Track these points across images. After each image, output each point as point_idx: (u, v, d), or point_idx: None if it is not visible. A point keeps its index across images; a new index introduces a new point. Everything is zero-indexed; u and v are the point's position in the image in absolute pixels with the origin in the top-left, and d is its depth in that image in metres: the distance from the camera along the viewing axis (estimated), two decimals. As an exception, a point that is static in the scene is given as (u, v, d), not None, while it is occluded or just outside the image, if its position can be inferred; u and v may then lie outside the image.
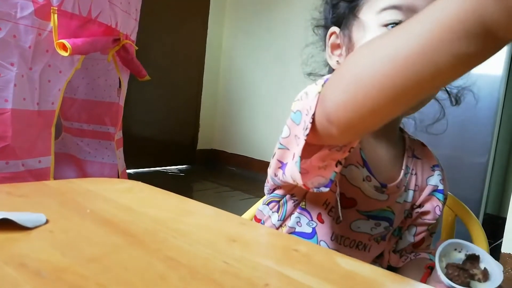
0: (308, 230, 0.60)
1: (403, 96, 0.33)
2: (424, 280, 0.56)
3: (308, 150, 0.44)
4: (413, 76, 0.31)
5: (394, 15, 0.52)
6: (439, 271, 0.47)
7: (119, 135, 1.81)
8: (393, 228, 0.64)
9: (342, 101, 0.37)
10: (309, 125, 0.41)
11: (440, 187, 0.65)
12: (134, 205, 0.49)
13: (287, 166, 0.50)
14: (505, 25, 0.26)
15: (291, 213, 0.61)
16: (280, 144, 0.51)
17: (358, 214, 0.60)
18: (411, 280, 0.36)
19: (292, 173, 0.47)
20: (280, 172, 0.53)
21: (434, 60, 0.30)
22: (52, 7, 1.22)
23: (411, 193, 0.64)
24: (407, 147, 0.65)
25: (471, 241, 0.72)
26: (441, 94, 0.62)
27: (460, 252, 0.52)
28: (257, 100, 3.41)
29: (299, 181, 0.45)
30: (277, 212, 0.62)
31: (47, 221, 0.39)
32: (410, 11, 0.51)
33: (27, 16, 1.17)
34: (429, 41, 0.29)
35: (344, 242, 0.60)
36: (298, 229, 0.61)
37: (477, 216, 1.46)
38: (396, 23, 0.52)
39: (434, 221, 0.66)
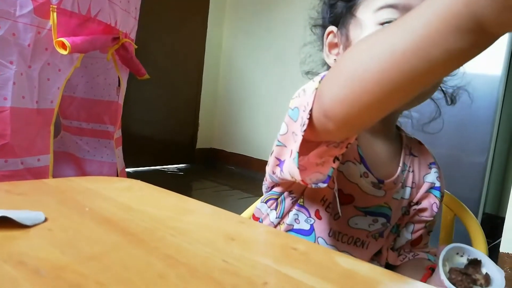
0: (306, 227, 0.60)
1: (399, 90, 0.34)
2: (424, 281, 0.56)
3: (306, 147, 0.45)
4: (408, 70, 0.32)
5: (390, 14, 0.53)
6: (443, 276, 0.47)
7: (118, 133, 1.81)
8: (390, 225, 0.64)
9: (339, 96, 0.38)
10: (306, 121, 0.42)
11: (437, 184, 0.66)
12: (133, 204, 0.49)
13: (285, 163, 0.51)
14: (496, 21, 0.27)
15: (289, 210, 0.61)
16: (278, 141, 0.52)
17: (355, 210, 0.60)
18: (410, 279, 0.36)
19: (290, 169, 0.47)
20: (278, 170, 0.54)
21: (428, 54, 0.30)
22: (51, 5, 1.22)
23: (408, 190, 0.65)
24: (404, 145, 0.66)
25: (470, 240, 0.72)
26: (437, 94, 0.63)
27: (462, 256, 0.52)
28: (257, 99, 3.41)
29: (298, 178, 0.45)
30: (275, 209, 0.62)
31: (46, 219, 0.39)
32: (406, 9, 0.52)
33: (26, 14, 1.17)
34: (423, 37, 0.30)
35: (342, 238, 0.60)
36: (296, 226, 0.61)
37: (476, 216, 1.46)
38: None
39: (432, 218, 0.66)
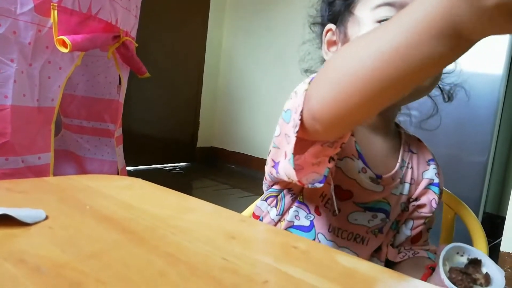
0: (306, 223, 0.61)
1: (385, 91, 0.35)
2: (424, 280, 0.56)
3: (301, 145, 0.45)
4: (394, 72, 0.33)
5: (388, 12, 0.54)
6: (443, 275, 0.47)
7: (119, 132, 1.81)
8: (390, 221, 0.64)
9: (325, 98, 0.39)
10: (298, 123, 0.42)
11: (436, 180, 0.67)
12: (134, 202, 0.49)
13: (279, 165, 0.51)
14: (474, 29, 0.29)
15: (289, 207, 0.62)
16: (273, 143, 0.53)
17: (354, 206, 0.60)
18: (410, 277, 0.36)
19: (286, 171, 0.48)
20: (273, 171, 0.55)
21: (409, 58, 0.32)
22: (52, 4, 1.22)
23: (407, 186, 0.65)
24: (403, 141, 0.67)
25: (470, 239, 0.72)
26: (434, 91, 0.64)
27: (462, 256, 0.52)
28: (257, 98, 3.41)
29: (294, 178, 0.46)
30: (275, 207, 0.63)
31: (46, 217, 0.40)
32: (403, 7, 0.52)
33: (27, 12, 1.17)
34: (404, 41, 0.32)
35: (342, 234, 0.61)
36: (296, 223, 0.61)
37: (477, 215, 1.47)
38: None
39: (431, 214, 0.67)
